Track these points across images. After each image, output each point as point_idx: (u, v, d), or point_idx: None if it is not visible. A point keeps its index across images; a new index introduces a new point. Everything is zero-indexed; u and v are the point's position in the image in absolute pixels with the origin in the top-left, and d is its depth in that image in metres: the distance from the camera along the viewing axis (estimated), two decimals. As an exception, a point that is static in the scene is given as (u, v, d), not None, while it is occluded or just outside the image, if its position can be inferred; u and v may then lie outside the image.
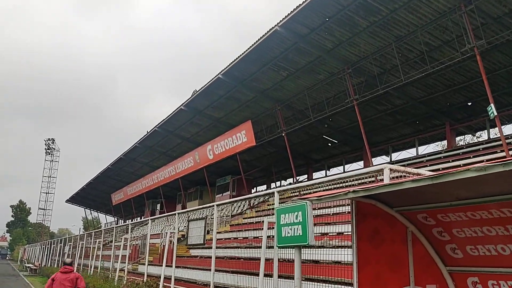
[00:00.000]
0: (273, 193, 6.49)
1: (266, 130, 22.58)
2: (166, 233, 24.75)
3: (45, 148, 79.49)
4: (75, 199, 57.38)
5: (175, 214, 9.56)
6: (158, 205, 45.43)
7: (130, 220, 45.04)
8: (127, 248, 14.77)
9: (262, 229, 16.08)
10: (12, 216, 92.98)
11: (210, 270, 8.35)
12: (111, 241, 27.49)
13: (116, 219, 55.84)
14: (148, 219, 11.73)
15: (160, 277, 12.15)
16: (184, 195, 36.11)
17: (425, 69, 14.89)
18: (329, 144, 25.03)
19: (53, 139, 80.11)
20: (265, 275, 8.50)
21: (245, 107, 22.76)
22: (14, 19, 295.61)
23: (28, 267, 38.11)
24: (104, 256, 22.07)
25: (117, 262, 15.45)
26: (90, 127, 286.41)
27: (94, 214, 62.60)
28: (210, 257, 8.90)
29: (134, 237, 28.27)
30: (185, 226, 28.30)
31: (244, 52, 17.81)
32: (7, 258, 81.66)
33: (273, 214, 7.60)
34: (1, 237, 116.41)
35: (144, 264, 22.23)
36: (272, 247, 5.99)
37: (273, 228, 6.12)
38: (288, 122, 21.32)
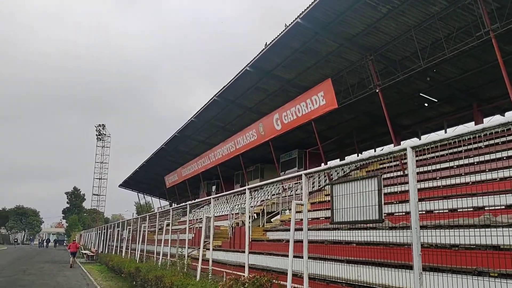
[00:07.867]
0: None
1: (350, 90, 18.69)
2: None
3: (96, 134, 79.61)
4: (128, 184, 56.32)
5: (301, 174, 6.01)
6: (214, 187, 42.91)
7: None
8: (210, 230, 11.64)
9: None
10: (67, 202, 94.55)
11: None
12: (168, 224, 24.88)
13: (170, 202, 54.17)
14: (246, 188, 8.36)
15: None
16: (244, 174, 33.01)
17: None
18: (426, 105, 20.68)
19: (103, 124, 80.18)
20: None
21: (324, 62, 18.90)
22: (59, 19, 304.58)
23: (85, 253, 36.51)
24: (166, 240, 19.22)
25: (194, 248, 12.30)
26: (137, 117, 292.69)
27: (147, 198, 61.59)
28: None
29: (197, 219, 25.51)
30: (259, 202, 25.05)
31: (335, -19, 13.96)
32: (64, 244, 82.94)
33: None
34: (59, 224, 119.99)
35: (211, 249, 19.39)
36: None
37: None
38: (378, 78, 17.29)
